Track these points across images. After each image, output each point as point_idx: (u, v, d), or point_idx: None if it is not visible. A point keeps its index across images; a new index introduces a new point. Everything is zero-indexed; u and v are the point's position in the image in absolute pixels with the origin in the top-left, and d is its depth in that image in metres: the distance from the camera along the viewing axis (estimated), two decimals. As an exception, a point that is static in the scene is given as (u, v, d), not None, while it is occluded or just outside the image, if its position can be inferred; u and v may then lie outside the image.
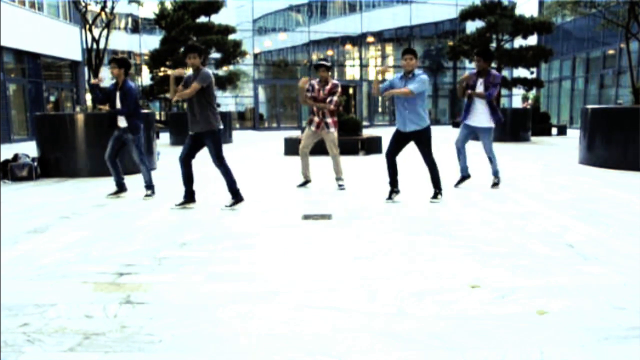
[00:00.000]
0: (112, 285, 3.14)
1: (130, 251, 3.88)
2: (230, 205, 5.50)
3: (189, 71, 5.43)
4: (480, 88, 6.36)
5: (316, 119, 6.64)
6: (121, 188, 6.38)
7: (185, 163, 5.58)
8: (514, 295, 2.88)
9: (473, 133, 6.62)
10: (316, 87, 6.62)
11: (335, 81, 6.65)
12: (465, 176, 6.77)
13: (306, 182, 6.90)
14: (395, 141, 5.80)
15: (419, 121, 5.62)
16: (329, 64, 6.66)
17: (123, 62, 6.13)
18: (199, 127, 5.36)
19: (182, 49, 18.02)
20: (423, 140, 5.71)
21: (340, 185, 6.68)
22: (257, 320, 2.61)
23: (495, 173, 6.64)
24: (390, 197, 5.84)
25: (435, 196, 5.81)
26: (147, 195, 6.24)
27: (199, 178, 7.61)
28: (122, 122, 6.14)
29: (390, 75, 5.98)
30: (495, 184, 6.61)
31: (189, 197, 5.65)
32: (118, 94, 6.10)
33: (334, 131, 6.65)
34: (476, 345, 2.31)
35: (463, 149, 6.69)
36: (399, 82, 5.69)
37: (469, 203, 5.68)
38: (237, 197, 5.54)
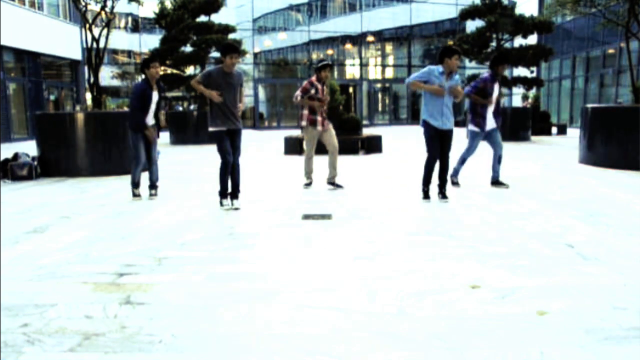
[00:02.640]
0: (112, 285, 3.14)
1: (130, 251, 3.88)
2: (236, 201, 5.61)
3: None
4: (496, 92, 6.47)
5: (319, 118, 6.57)
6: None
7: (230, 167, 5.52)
8: (514, 295, 2.88)
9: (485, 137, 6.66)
10: (319, 87, 6.55)
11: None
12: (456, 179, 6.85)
13: (311, 183, 6.88)
14: (436, 140, 5.70)
15: (453, 120, 5.81)
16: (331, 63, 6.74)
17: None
18: (235, 125, 5.45)
19: (182, 48, 18.12)
20: (451, 137, 5.83)
21: (338, 185, 6.67)
22: (257, 320, 2.61)
23: (498, 176, 6.69)
24: (428, 197, 5.82)
25: (445, 195, 5.80)
26: (152, 195, 6.22)
27: (198, 178, 7.61)
28: (151, 121, 6.04)
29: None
30: (501, 184, 6.66)
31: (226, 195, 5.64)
32: (156, 94, 6.01)
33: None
34: (476, 345, 2.31)
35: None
36: (439, 79, 5.55)
37: (469, 203, 5.68)
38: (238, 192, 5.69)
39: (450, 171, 6.27)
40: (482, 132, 6.53)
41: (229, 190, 5.61)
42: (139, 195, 6.16)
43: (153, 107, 6.01)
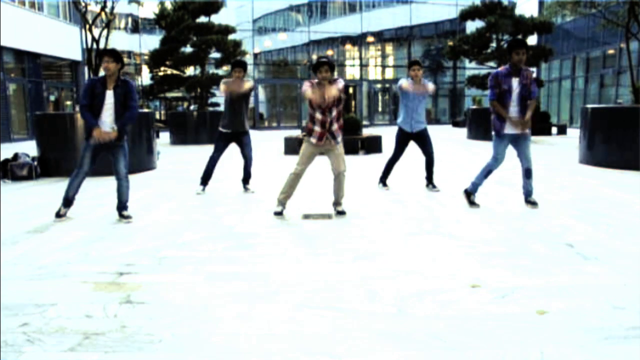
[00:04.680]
0: (112, 285, 3.14)
1: (130, 251, 3.88)
2: (248, 188, 6.65)
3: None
4: (517, 89, 5.19)
5: (317, 128, 4.96)
6: (70, 204, 5.18)
7: (216, 162, 6.50)
8: (514, 295, 2.88)
9: (510, 143, 5.37)
10: (318, 91, 4.97)
11: (339, 79, 5.11)
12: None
13: (282, 211, 5.16)
14: (404, 144, 6.53)
15: (423, 121, 6.44)
16: (331, 61, 5.09)
17: (119, 56, 4.93)
18: (242, 127, 6.41)
19: (182, 49, 18.13)
20: (425, 135, 6.46)
21: (339, 212, 5.17)
22: (257, 320, 2.61)
23: (530, 193, 5.47)
24: (385, 185, 6.76)
25: (434, 185, 6.57)
26: (123, 218, 5.02)
27: (198, 178, 7.59)
28: (106, 128, 4.87)
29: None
30: (534, 203, 5.43)
31: (206, 183, 6.61)
32: (112, 94, 4.87)
33: (341, 141, 5.09)
34: (476, 345, 2.31)
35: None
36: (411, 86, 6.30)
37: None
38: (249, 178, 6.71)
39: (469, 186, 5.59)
40: (501, 136, 5.30)
41: (209, 179, 6.60)
42: (62, 216, 5.01)
43: (108, 109, 4.87)
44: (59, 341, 2.38)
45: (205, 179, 6.55)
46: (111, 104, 4.91)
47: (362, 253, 3.77)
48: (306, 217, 5.02)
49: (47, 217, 5.14)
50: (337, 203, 5.22)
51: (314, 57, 32.49)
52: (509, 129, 5.28)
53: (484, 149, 12.66)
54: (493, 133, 5.40)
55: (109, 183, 6.68)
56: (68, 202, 5.11)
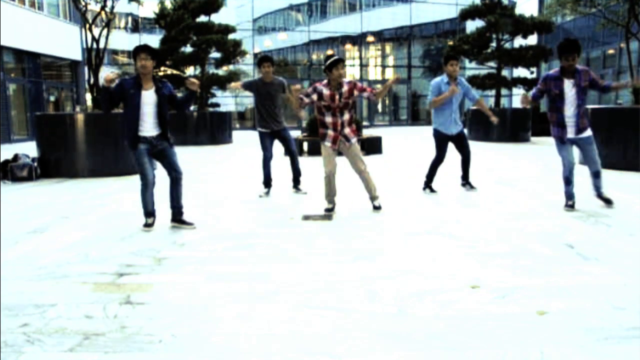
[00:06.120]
0: (112, 285, 3.14)
1: (130, 251, 3.88)
2: (299, 189, 6.43)
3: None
4: (571, 91, 5.02)
5: (330, 132, 5.07)
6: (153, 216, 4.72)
7: (270, 161, 6.37)
8: (514, 295, 2.88)
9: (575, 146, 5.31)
10: (326, 92, 4.95)
11: (349, 79, 5.13)
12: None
13: (333, 207, 5.30)
14: (445, 145, 6.24)
15: (461, 123, 6.26)
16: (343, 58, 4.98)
17: (155, 52, 4.52)
18: (280, 125, 6.29)
19: (182, 49, 18.13)
20: (464, 137, 6.31)
21: (375, 207, 5.29)
22: (257, 320, 2.61)
23: (599, 189, 5.38)
24: (432, 190, 6.35)
25: (472, 185, 6.41)
26: (177, 224, 4.70)
27: (198, 179, 7.61)
28: (150, 131, 4.52)
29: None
30: (607, 201, 5.37)
31: (269, 185, 6.46)
32: (152, 94, 4.45)
33: (355, 142, 5.24)
34: (476, 345, 2.31)
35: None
36: (447, 87, 6.02)
37: (469, 203, 5.69)
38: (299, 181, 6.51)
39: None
40: (563, 142, 5.23)
41: (271, 180, 6.43)
42: (150, 225, 4.60)
43: (149, 111, 4.46)
44: (58, 342, 2.38)
45: (268, 182, 6.41)
46: (152, 105, 4.46)
47: (362, 253, 3.77)
48: (306, 217, 5.02)
49: (47, 217, 5.14)
50: (372, 198, 5.37)
51: (314, 56, 32.51)
52: (567, 133, 5.17)
53: (484, 150, 12.64)
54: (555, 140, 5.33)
55: (109, 183, 6.69)
56: (151, 215, 4.65)
